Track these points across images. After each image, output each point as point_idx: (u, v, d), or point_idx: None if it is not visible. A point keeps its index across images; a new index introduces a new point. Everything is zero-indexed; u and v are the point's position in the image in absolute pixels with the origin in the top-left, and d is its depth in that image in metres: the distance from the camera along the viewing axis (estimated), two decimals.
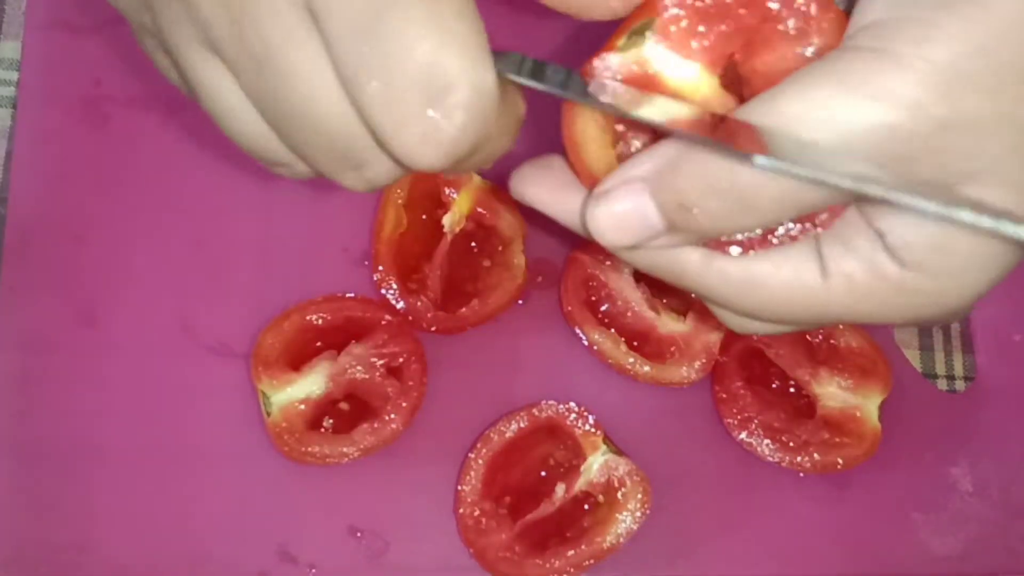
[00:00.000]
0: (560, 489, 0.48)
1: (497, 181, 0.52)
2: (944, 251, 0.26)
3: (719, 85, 0.29)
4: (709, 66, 0.28)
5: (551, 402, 0.49)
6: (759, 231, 0.28)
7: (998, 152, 0.25)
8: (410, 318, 0.50)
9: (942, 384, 0.54)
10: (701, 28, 0.28)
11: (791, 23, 0.27)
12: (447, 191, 0.51)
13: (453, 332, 0.50)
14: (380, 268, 0.50)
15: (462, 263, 0.52)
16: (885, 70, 0.24)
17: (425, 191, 0.51)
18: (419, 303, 0.50)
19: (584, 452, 0.49)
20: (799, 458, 0.50)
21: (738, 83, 0.29)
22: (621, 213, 0.27)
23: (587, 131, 0.30)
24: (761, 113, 0.25)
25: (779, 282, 0.28)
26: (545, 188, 0.31)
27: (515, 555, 0.47)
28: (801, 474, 0.50)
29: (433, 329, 0.50)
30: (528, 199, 0.32)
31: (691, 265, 0.29)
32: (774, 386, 0.52)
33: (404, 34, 0.23)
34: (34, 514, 0.47)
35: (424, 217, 0.52)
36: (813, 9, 0.27)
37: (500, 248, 0.52)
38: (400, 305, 0.50)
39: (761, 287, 0.28)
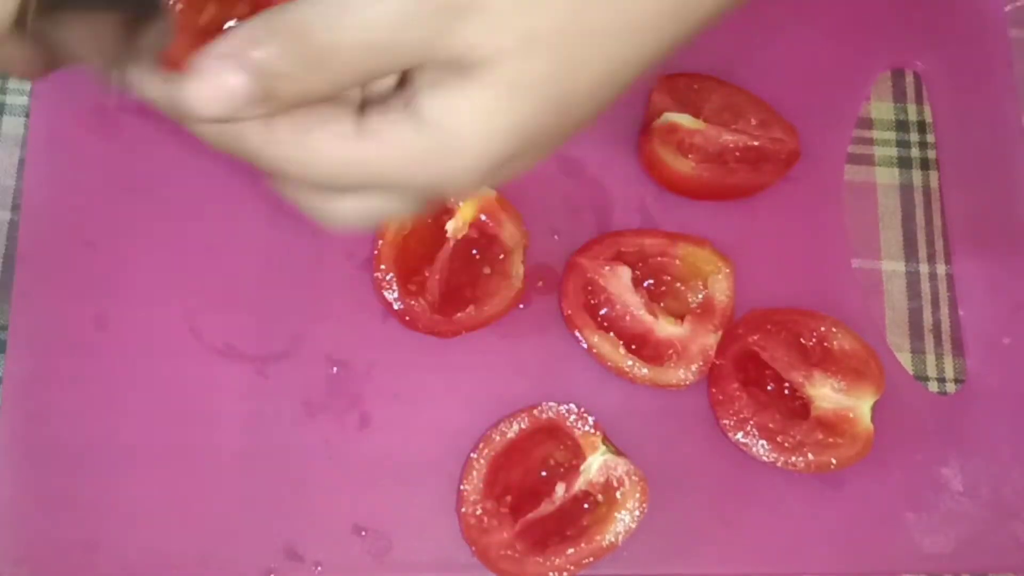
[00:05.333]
0: (560, 489, 0.49)
1: (502, 192, 0.53)
2: (452, 108, 0.28)
3: None
4: None
5: (551, 403, 0.50)
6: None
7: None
8: (407, 319, 0.51)
9: (933, 386, 0.55)
10: None
11: None
12: (452, 198, 0.53)
13: (448, 336, 0.51)
14: (382, 267, 0.51)
15: (462, 269, 0.53)
16: None
17: None
18: (417, 305, 0.51)
19: (584, 452, 0.50)
20: (794, 458, 0.51)
21: None
22: (213, 87, 0.28)
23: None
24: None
25: (321, 142, 0.29)
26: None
27: (516, 553, 0.48)
28: (795, 474, 0.51)
29: (430, 332, 0.51)
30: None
31: (253, 136, 0.29)
32: (769, 388, 0.53)
33: None
34: (44, 513, 0.48)
35: (428, 221, 0.53)
36: None
37: (501, 257, 0.53)
38: (398, 306, 0.51)
39: (309, 149, 0.29)
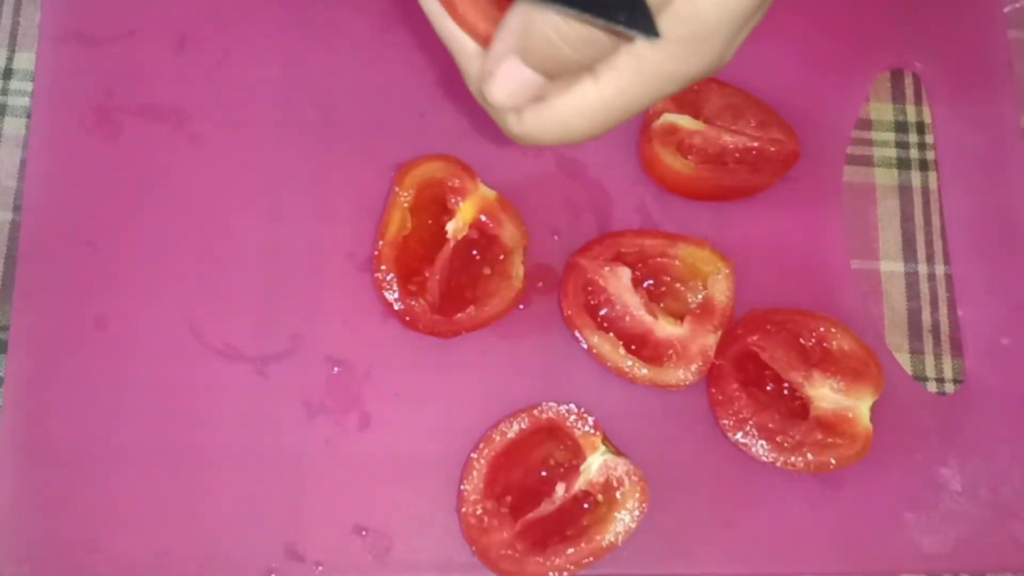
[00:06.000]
0: (560, 489, 0.49)
1: (502, 192, 0.53)
2: (691, 20, 0.31)
3: None
4: None
5: (551, 403, 0.50)
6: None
7: None
8: (407, 319, 0.51)
9: (932, 386, 0.55)
10: None
11: None
12: (453, 199, 0.53)
13: (448, 336, 0.51)
14: (382, 267, 0.51)
15: (463, 269, 0.53)
16: None
17: (432, 197, 0.53)
18: (417, 306, 0.51)
19: (584, 452, 0.50)
20: (793, 458, 0.51)
21: None
22: (509, 86, 0.32)
23: None
24: None
25: (567, 99, 0.33)
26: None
27: (516, 553, 0.48)
28: (795, 474, 0.51)
29: (430, 332, 0.51)
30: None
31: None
32: (768, 388, 0.53)
33: None
34: (45, 513, 0.48)
35: (429, 222, 0.53)
36: None
37: (501, 257, 0.53)
38: (399, 306, 0.51)
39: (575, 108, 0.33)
